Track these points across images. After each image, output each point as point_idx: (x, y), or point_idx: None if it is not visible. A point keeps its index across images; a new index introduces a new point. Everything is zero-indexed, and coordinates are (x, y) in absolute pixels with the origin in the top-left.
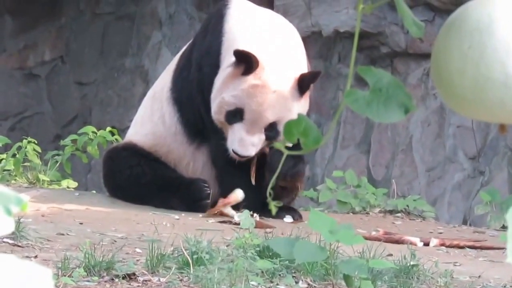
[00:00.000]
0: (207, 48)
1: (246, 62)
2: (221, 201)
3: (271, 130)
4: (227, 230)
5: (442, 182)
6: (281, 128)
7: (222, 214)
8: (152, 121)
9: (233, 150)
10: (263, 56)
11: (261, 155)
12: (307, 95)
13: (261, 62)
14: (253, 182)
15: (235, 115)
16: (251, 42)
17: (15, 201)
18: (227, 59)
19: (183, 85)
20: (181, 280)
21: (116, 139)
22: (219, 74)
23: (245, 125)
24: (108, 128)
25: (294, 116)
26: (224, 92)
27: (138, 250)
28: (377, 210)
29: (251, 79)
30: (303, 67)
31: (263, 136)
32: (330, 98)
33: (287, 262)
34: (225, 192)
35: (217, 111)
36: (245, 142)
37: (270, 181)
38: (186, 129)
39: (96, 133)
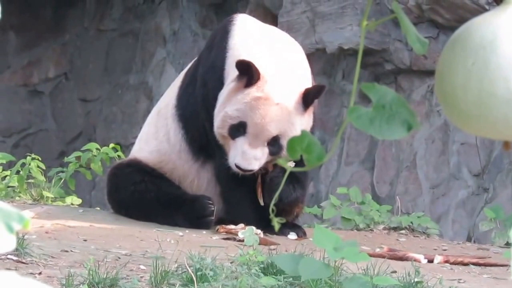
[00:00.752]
0: (212, 64)
1: (248, 73)
2: (221, 228)
3: (274, 144)
4: (231, 247)
5: (446, 199)
6: (284, 142)
7: (227, 231)
8: (157, 138)
9: (235, 164)
10: (266, 70)
11: (265, 173)
12: (311, 110)
13: (264, 75)
14: (262, 203)
15: (238, 128)
16: (255, 57)
17: (17, 218)
18: (231, 74)
19: (188, 101)
20: None
21: (118, 155)
22: (223, 89)
23: (247, 139)
24: (111, 145)
25: (297, 130)
26: (227, 106)
27: (142, 267)
28: (381, 227)
29: (254, 92)
30: (308, 82)
31: (266, 150)
32: (334, 115)
33: (291, 279)
34: (228, 209)
35: (220, 126)
36: (247, 155)
37: (270, 203)
38: (190, 147)
39: (99, 150)
